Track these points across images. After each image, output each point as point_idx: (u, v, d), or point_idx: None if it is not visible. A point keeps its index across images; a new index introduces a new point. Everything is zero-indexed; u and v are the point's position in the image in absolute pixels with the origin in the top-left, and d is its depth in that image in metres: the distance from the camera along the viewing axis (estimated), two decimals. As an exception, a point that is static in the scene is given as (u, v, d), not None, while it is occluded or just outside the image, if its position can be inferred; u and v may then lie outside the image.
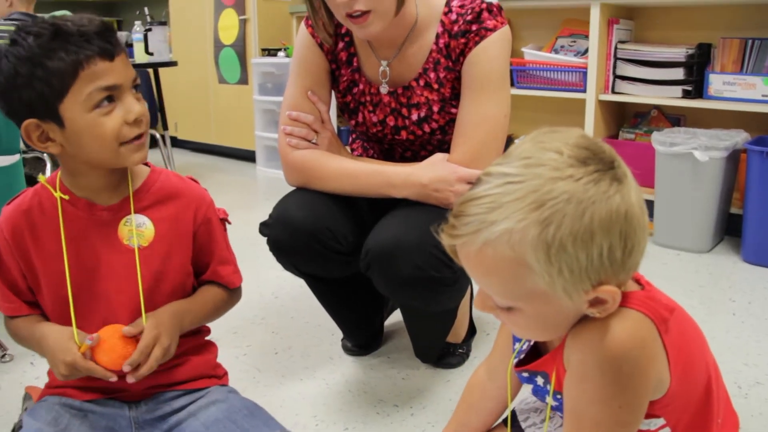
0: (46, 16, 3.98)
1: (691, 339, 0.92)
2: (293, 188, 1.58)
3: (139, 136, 1.10)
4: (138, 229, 1.16)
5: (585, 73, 3.16)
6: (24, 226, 1.14)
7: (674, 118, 3.25)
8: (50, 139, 1.08)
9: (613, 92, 3.15)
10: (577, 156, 0.78)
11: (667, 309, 0.86)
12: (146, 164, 1.23)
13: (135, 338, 1.10)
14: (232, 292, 1.31)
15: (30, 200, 1.16)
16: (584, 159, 0.78)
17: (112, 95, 1.06)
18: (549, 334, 0.89)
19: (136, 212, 1.17)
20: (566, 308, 0.81)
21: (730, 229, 2.88)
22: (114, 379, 1.08)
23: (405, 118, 1.54)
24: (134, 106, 1.08)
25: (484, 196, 0.79)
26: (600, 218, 0.76)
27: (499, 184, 0.78)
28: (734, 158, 2.71)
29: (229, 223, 1.33)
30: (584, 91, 3.17)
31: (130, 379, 1.08)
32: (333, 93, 1.63)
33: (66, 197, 1.14)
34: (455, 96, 1.49)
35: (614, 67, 3.13)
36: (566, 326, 0.86)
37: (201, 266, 1.27)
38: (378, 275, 1.39)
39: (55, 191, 1.14)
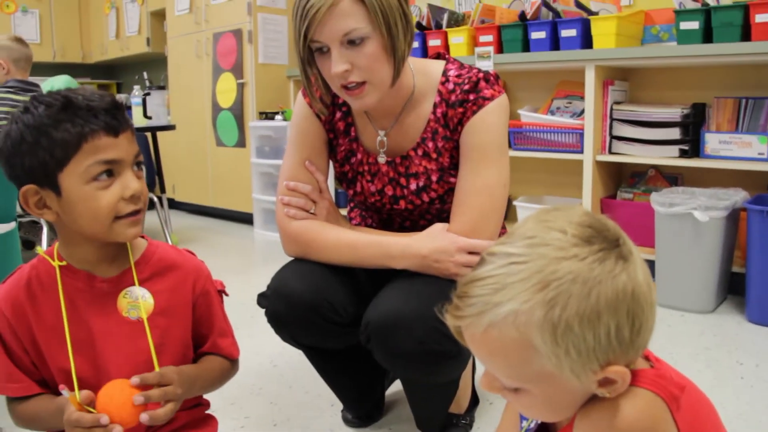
0: (47, 81, 4.03)
1: (705, 416, 0.89)
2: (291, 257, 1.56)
3: (134, 213, 1.10)
4: (136, 302, 1.16)
5: (582, 134, 3.17)
6: (24, 299, 1.13)
7: (672, 177, 3.26)
8: (47, 206, 1.10)
9: (610, 152, 3.16)
10: (581, 235, 0.77)
11: (678, 387, 0.83)
12: (143, 237, 1.23)
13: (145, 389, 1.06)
14: (233, 363, 1.30)
15: (28, 273, 1.16)
16: (588, 238, 0.77)
17: (111, 170, 1.08)
18: (557, 415, 0.87)
19: (134, 284, 1.16)
20: (575, 389, 0.79)
21: (732, 288, 2.85)
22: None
23: (403, 187, 1.53)
24: (132, 182, 1.09)
25: (488, 276, 0.77)
26: (606, 298, 0.74)
27: (503, 264, 0.77)
28: (734, 217, 2.71)
29: (227, 295, 1.32)
30: (581, 151, 3.18)
31: (143, 418, 1.03)
32: (331, 162, 1.63)
33: (63, 263, 1.14)
34: (454, 165, 1.49)
35: (610, 127, 3.15)
36: (575, 407, 0.83)
37: (199, 338, 1.26)
38: (378, 348, 1.37)
39: (53, 261, 1.14)
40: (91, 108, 1.06)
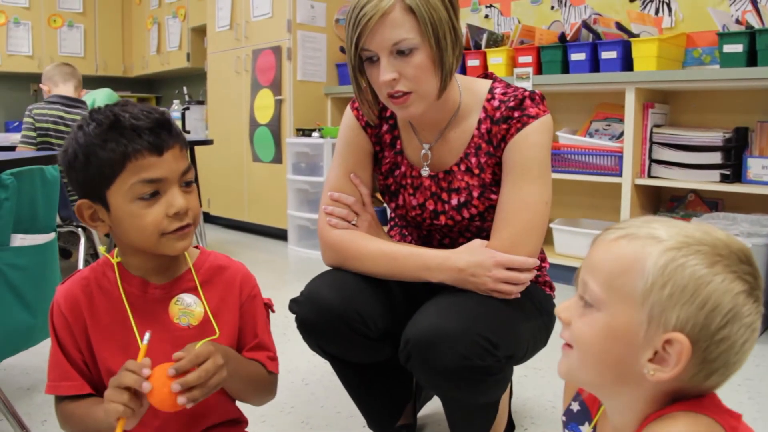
0: (89, 93, 4.10)
1: None
2: (326, 269, 1.56)
3: (182, 227, 1.12)
4: (188, 308, 1.18)
5: (621, 157, 3.14)
6: (82, 299, 1.16)
7: (712, 202, 3.21)
8: (100, 219, 1.14)
9: (649, 176, 3.13)
10: (742, 257, 0.80)
11: (736, 417, 0.82)
12: (196, 247, 1.26)
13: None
14: (271, 375, 1.28)
15: (87, 275, 1.19)
16: (747, 270, 0.79)
17: (156, 189, 1.09)
18: (597, 370, 0.84)
19: (185, 291, 1.19)
20: (633, 342, 0.79)
21: (774, 317, 2.78)
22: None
23: (445, 202, 1.53)
24: (177, 200, 1.10)
25: (655, 221, 0.83)
26: (726, 288, 0.76)
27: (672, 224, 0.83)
28: (777, 244, 2.65)
29: (273, 311, 1.32)
30: (620, 175, 3.14)
31: (181, 400, 1.01)
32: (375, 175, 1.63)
33: (118, 259, 1.18)
34: (495, 182, 1.48)
35: (650, 150, 3.11)
36: (616, 377, 0.82)
37: (240, 347, 1.25)
38: (419, 366, 1.35)
39: (113, 258, 1.19)
40: (135, 127, 1.07)
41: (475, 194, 1.50)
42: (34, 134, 3.27)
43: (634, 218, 0.85)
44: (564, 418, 1.01)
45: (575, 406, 0.99)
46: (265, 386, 1.28)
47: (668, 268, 0.77)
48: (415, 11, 1.33)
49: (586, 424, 0.97)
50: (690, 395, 0.80)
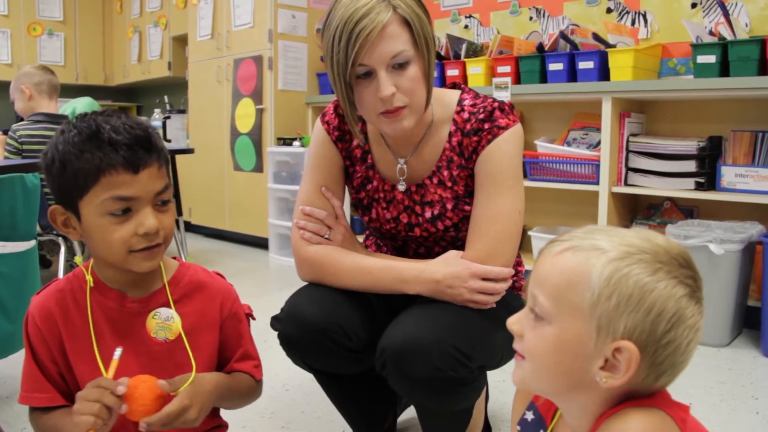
0: (69, 102, 4.02)
1: None
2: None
3: (151, 246, 1.11)
4: (165, 323, 1.18)
5: (598, 166, 3.18)
6: (56, 311, 1.16)
7: (687, 209, 3.26)
8: (72, 226, 1.13)
9: (626, 184, 3.17)
10: (682, 262, 0.82)
11: (683, 410, 0.85)
12: (174, 258, 1.26)
13: (167, 396, 1.08)
14: (257, 384, 1.32)
15: (63, 285, 1.19)
16: (687, 274, 0.82)
17: (129, 206, 1.08)
18: (551, 380, 0.87)
19: (163, 305, 1.19)
20: (584, 351, 0.81)
21: (748, 322, 2.83)
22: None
23: (418, 215, 1.54)
24: (148, 220, 1.09)
25: (598, 231, 0.86)
26: (669, 292, 0.79)
27: (611, 233, 0.85)
28: (750, 250, 2.70)
29: (254, 318, 1.34)
30: (597, 183, 3.19)
31: (142, 426, 1.05)
32: (347, 189, 1.64)
33: (90, 278, 1.17)
34: (469, 193, 1.50)
35: (626, 159, 3.16)
36: (569, 385, 0.84)
37: (224, 360, 1.27)
38: (394, 375, 1.36)
39: (87, 273, 1.18)
40: (113, 142, 1.06)
41: (449, 206, 1.51)
42: (18, 158, 3.17)
43: (577, 229, 0.88)
44: (519, 428, 1.02)
45: (529, 416, 1.01)
46: (252, 394, 1.31)
47: (613, 278, 0.79)
48: (410, 23, 1.34)
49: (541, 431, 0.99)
50: (642, 395, 0.83)
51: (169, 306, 1.19)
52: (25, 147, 3.19)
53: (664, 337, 0.79)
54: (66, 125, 1.10)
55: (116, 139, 1.06)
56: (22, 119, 3.40)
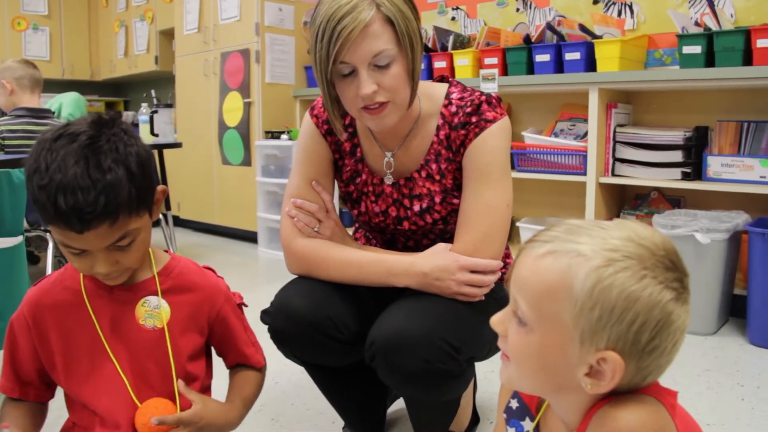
0: (56, 97, 3.97)
1: (693, 422, 0.91)
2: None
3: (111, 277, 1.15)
4: (154, 311, 1.20)
5: (585, 156, 3.20)
6: (46, 303, 1.19)
7: (674, 199, 3.28)
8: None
9: (613, 175, 3.19)
10: (668, 263, 0.81)
11: (672, 395, 0.86)
12: (166, 251, 1.28)
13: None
14: (261, 370, 1.38)
15: (54, 279, 1.22)
16: (674, 277, 0.81)
17: (82, 251, 1.09)
18: (537, 381, 0.87)
19: (152, 294, 1.21)
20: (569, 360, 0.81)
21: (734, 310, 2.86)
22: None
23: (407, 209, 1.55)
24: (100, 266, 1.09)
25: (579, 227, 0.84)
26: (652, 298, 0.78)
27: (594, 227, 0.83)
28: (736, 240, 2.72)
29: (246, 306, 1.36)
30: (584, 173, 3.20)
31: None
32: (336, 182, 1.65)
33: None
34: (457, 187, 1.50)
35: (614, 150, 3.17)
36: (555, 386, 0.85)
37: (224, 355, 1.34)
38: (383, 368, 1.37)
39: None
40: (57, 206, 1.00)
41: (437, 200, 1.52)
42: (0, 153, 3.12)
43: (559, 225, 0.86)
44: (505, 416, 1.03)
45: (514, 404, 1.01)
46: (260, 385, 1.37)
47: (596, 290, 0.78)
48: (394, 22, 1.33)
49: (527, 419, 1.00)
50: (631, 390, 0.83)
51: (156, 295, 1.21)
52: (6, 142, 3.16)
53: (648, 344, 0.79)
54: (50, 144, 1.04)
55: (62, 202, 1.00)
56: (4, 114, 3.37)
